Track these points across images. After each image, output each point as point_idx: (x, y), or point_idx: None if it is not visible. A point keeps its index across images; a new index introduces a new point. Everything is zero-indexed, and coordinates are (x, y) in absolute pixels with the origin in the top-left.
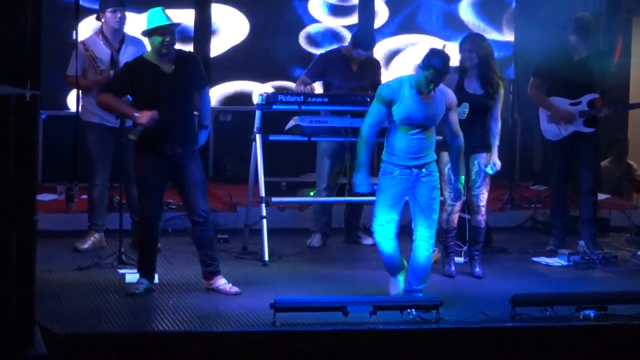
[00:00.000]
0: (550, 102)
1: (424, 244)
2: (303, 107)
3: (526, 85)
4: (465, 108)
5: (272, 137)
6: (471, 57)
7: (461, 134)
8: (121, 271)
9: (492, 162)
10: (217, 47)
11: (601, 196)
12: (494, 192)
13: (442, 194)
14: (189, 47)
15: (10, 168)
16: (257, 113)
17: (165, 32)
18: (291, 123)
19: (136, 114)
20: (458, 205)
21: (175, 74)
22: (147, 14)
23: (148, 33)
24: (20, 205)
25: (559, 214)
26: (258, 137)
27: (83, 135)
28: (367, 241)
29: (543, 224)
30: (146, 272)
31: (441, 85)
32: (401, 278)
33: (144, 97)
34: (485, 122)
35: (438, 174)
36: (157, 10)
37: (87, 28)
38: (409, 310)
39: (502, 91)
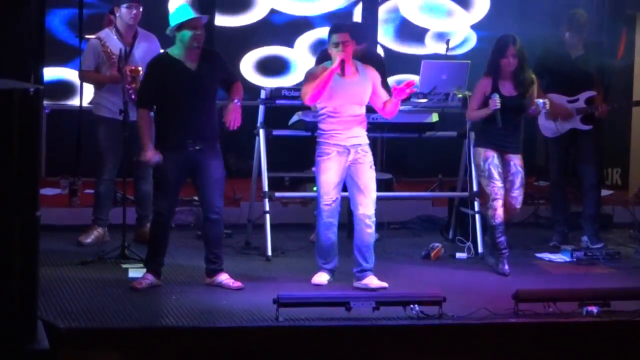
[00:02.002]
0: (549, 99)
1: (365, 222)
2: None
3: None
4: (496, 97)
5: (275, 132)
6: (513, 62)
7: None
8: (124, 266)
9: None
10: None
11: (604, 192)
12: None
13: (483, 193)
14: None
15: (14, 162)
16: (261, 108)
17: (196, 26)
18: (295, 118)
19: (146, 151)
20: (501, 200)
21: (199, 70)
22: (172, 12)
23: (177, 28)
24: (24, 200)
25: (559, 209)
26: (261, 131)
27: (93, 129)
28: (376, 237)
29: (546, 219)
30: (152, 267)
31: (365, 65)
32: (326, 275)
33: (169, 92)
34: (519, 123)
35: (371, 154)
36: (183, 6)
37: None
38: (411, 305)
39: (534, 86)
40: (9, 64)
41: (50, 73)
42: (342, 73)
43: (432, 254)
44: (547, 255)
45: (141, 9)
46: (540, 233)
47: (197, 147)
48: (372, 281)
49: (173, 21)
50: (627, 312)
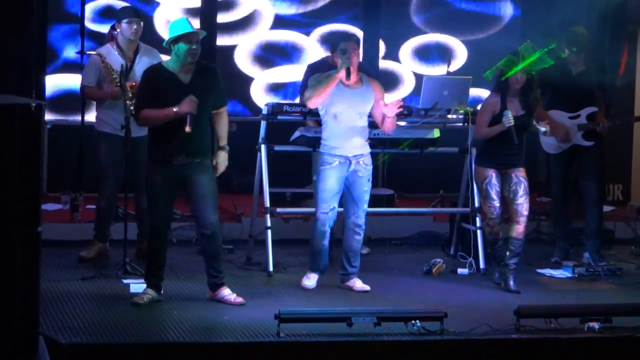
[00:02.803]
0: (549, 117)
1: (355, 230)
2: (308, 118)
3: None
4: (509, 114)
5: (277, 148)
6: (522, 79)
7: None
8: (125, 281)
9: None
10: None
11: (606, 208)
12: None
13: (482, 209)
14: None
15: (15, 178)
16: (262, 123)
17: (191, 40)
18: (296, 134)
19: (175, 109)
20: (498, 219)
21: (192, 84)
22: (170, 24)
23: (173, 41)
24: (25, 215)
25: (561, 225)
26: (263, 147)
27: (95, 145)
28: (366, 251)
29: (548, 235)
30: (153, 282)
31: (370, 78)
32: (315, 277)
33: (159, 105)
34: (523, 140)
35: (372, 167)
36: (181, 19)
37: None
38: (413, 321)
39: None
40: (11, 79)
41: (54, 82)
42: (348, 78)
43: (434, 270)
44: (548, 271)
45: (142, 24)
46: (542, 249)
47: (185, 162)
48: (355, 283)
49: (170, 33)
50: (629, 328)
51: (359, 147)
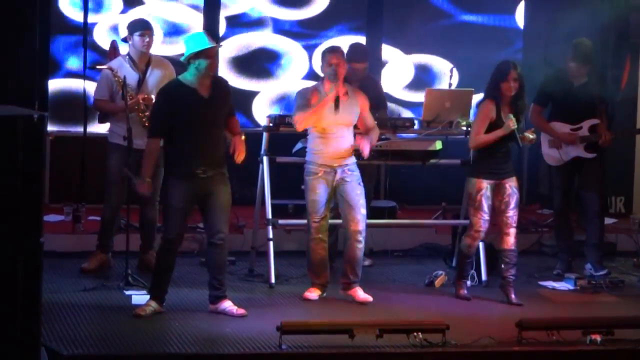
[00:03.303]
0: (551, 127)
1: (356, 238)
2: None
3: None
4: (512, 117)
5: (279, 159)
6: (515, 86)
7: (375, 126)
8: (128, 292)
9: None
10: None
11: (608, 220)
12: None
13: (470, 220)
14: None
15: (18, 189)
16: (264, 135)
17: (211, 55)
18: (298, 145)
19: (144, 182)
20: (483, 233)
21: (211, 98)
22: (186, 38)
23: (194, 56)
24: (27, 226)
25: (563, 237)
26: (265, 159)
27: (106, 155)
28: (369, 263)
29: (550, 247)
30: (157, 294)
31: (355, 89)
32: (317, 291)
33: (182, 120)
34: (511, 149)
35: (358, 173)
36: (199, 34)
37: None
38: (415, 333)
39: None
40: (14, 89)
41: (56, 93)
42: (337, 107)
43: (436, 282)
44: (550, 284)
45: (154, 36)
46: (544, 261)
47: (207, 175)
48: (358, 293)
49: (190, 49)
50: (631, 340)
51: (344, 158)
